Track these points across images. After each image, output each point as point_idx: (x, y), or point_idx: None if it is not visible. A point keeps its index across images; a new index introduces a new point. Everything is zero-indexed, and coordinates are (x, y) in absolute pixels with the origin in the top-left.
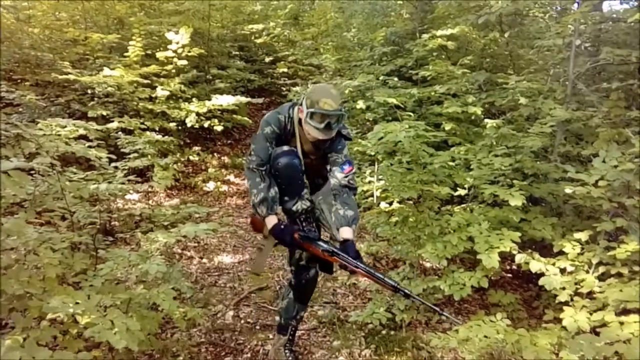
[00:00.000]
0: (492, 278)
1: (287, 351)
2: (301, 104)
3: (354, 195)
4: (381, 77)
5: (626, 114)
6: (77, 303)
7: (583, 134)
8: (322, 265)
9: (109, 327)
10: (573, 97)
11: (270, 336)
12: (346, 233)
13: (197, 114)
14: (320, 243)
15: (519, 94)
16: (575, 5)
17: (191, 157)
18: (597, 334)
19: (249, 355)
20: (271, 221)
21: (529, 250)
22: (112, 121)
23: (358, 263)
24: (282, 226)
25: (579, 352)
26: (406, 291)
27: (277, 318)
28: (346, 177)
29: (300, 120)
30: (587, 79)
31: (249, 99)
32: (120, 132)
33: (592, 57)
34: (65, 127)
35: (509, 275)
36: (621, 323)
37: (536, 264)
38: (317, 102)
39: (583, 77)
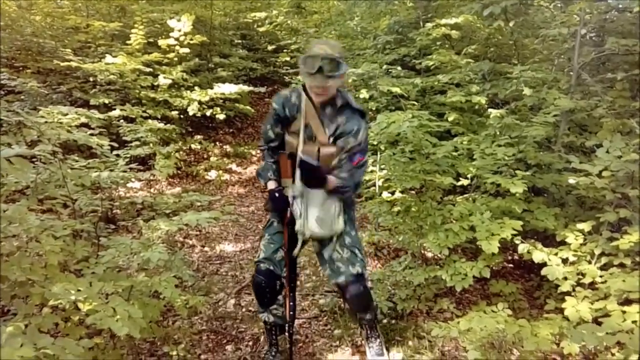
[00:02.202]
0: (494, 268)
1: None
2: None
3: (350, 193)
4: (384, 66)
5: (631, 105)
6: (79, 290)
7: (587, 124)
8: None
9: (111, 314)
10: (577, 87)
11: None
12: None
13: (199, 102)
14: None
15: (523, 83)
16: None
17: (193, 146)
18: (599, 324)
19: (250, 343)
20: (270, 185)
21: (532, 240)
22: (114, 109)
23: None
24: (277, 194)
25: (580, 342)
26: None
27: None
28: (351, 169)
29: (309, 98)
30: (591, 69)
31: (251, 88)
32: (122, 120)
33: (597, 47)
34: (67, 114)
35: (511, 265)
36: (623, 312)
37: (539, 254)
38: (311, 47)
39: (588, 67)
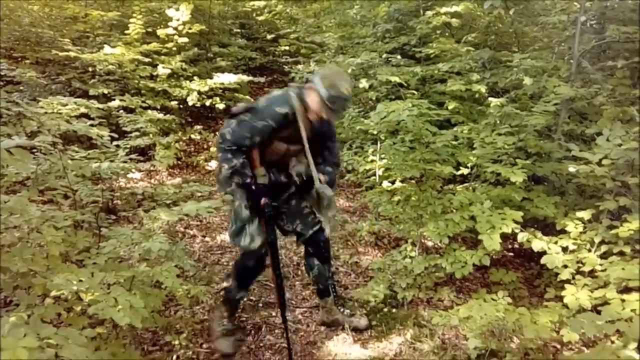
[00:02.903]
0: (494, 257)
1: (339, 307)
2: (303, 90)
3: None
4: (384, 55)
5: (631, 92)
6: (80, 281)
7: (587, 112)
8: None
9: (113, 304)
10: (578, 75)
11: (273, 313)
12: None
13: (199, 92)
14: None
15: (523, 72)
16: None
17: (193, 136)
18: (599, 312)
19: (251, 332)
20: (247, 181)
21: (532, 229)
22: (114, 99)
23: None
24: (254, 187)
25: (580, 330)
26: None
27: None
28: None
29: (305, 109)
30: (592, 56)
31: (250, 78)
32: (121, 111)
33: (598, 34)
34: (67, 105)
35: (511, 254)
36: (622, 301)
37: (538, 243)
38: (338, 86)
39: (588, 55)
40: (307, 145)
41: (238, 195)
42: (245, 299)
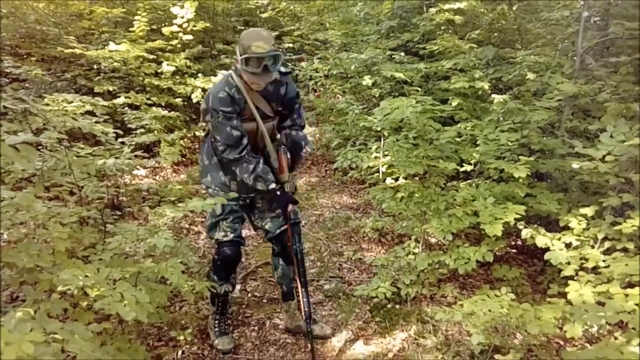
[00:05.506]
0: (497, 253)
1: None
2: (235, 65)
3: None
4: (388, 52)
5: (634, 89)
6: (86, 276)
7: (591, 109)
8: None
9: (119, 299)
10: (581, 71)
11: (277, 309)
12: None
13: (203, 89)
14: (296, 241)
15: (527, 68)
16: None
17: (197, 133)
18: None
19: (255, 327)
20: (272, 186)
21: (535, 225)
22: (119, 97)
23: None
24: (279, 192)
25: (583, 322)
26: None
27: (283, 288)
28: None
29: (245, 83)
30: (595, 53)
31: None
32: (126, 108)
33: (601, 31)
34: (72, 102)
35: (514, 250)
36: (626, 295)
37: (542, 239)
38: (249, 47)
39: (591, 52)
40: (259, 118)
41: (215, 191)
42: (235, 294)
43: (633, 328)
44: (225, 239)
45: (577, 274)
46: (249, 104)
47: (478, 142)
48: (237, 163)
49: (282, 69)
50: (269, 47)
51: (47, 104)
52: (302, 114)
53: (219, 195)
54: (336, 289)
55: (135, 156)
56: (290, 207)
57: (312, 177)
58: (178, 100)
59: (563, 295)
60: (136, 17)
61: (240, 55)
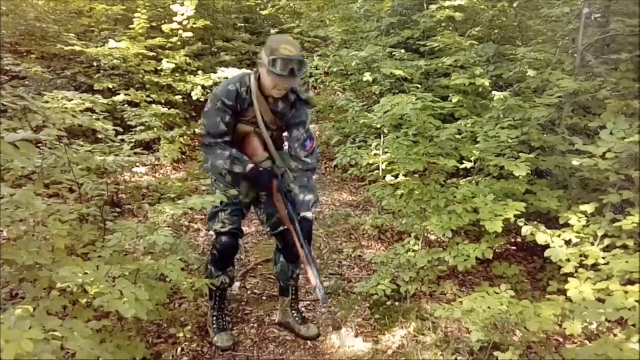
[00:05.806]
0: (497, 250)
1: (293, 311)
2: (258, 69)
3: (314, 174)
4: (388, 49)
5: (635, 86)
6: (86, 273)
7: (591, 106)
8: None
9: (118, 297)
10: (582, 68)
11: (277, 307)
12: (307, 215)
13: (203, 87)
14: (290, 207)
15: (527, 65)
16: None
17: (197, 130)
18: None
19: (255, 325)
20: (250, 166)
21: (535, 223)
22: (119, 94)
23: (305, 244)
24: (261, 169)
25: (583, 319)
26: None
27: (280, 284)
28: (308, 156)
29: (260, 88)
30: (596, 50)
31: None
32: (126, 105)
33: (602, 28)
34: (72, 100)
35: (514, 247)
36: (626, 292)
37: (542, 236)
38: (277, 49)
39: (592, 49)
40: (262, 125)
41: (222, 186)
42: (234, 292)
43: (633, 325)
44: (223, 229)
45: (577, 271)
46: (254, 107)
47: (478, 139)
48: (212, 149)
49: (302, 96)
50: (296, 52)
51: (47, 102)
52: (309, 147)
53: (220, 187)
54: (336, 286)
55: (135, 153)
56: (274, 182)
57: None
58: (178, 98)
59: (563, 292)
60: (136, 15)
61: (268, 57)
